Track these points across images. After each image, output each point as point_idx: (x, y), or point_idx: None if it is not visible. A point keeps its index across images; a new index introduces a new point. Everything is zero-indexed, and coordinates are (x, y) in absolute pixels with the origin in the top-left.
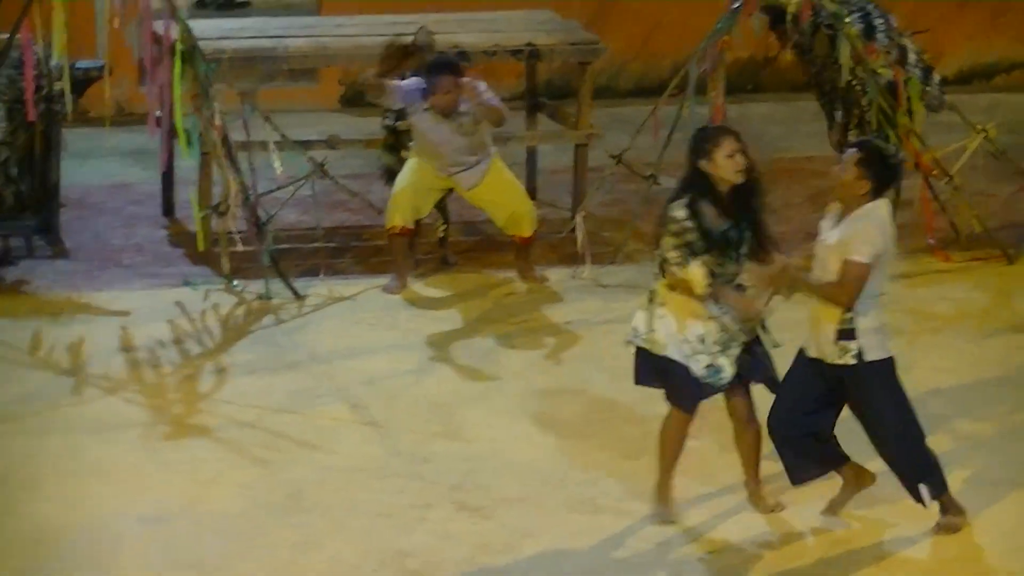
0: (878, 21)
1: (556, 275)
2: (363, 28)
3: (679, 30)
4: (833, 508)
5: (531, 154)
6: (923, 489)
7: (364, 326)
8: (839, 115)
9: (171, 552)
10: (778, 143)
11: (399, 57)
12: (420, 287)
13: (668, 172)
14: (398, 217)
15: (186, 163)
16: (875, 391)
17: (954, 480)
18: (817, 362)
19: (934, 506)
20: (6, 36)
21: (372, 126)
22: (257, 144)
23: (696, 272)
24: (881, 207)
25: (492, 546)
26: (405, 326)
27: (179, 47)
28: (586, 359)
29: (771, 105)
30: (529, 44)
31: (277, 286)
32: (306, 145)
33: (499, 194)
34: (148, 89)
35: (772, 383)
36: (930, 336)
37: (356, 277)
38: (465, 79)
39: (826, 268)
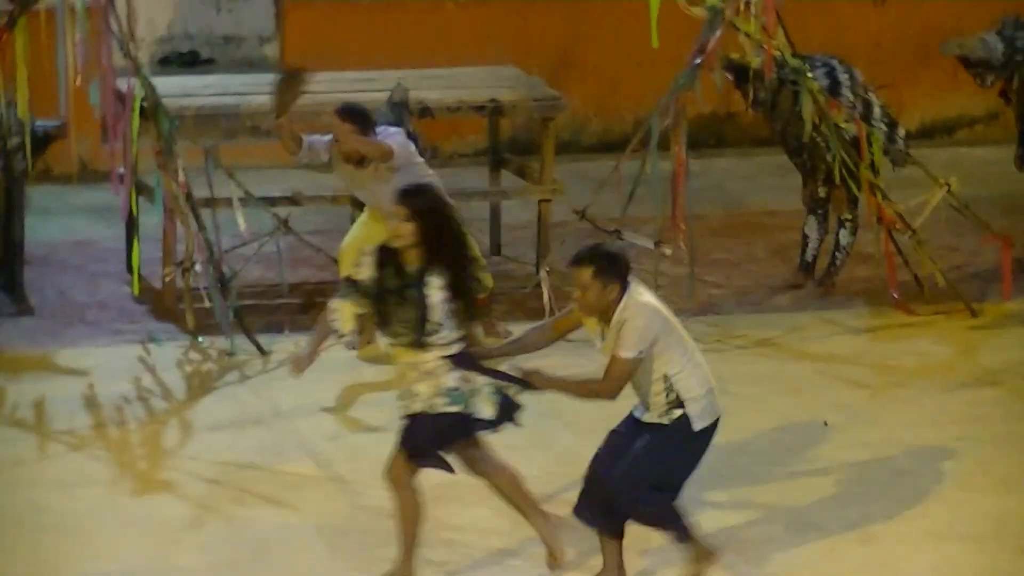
0: (843, 76)
1: (520, 330)
2: (325, 85)
3: (640, 86)
4: None
5: (495, 209)
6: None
7: (328, 382)
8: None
9: None
10: (741, 197)
11: (290, 90)
12: (384, 342)
13: (632, 227)
14: (345, 272)
15: (151, 220)
16: (680, 450)
17: (913, 534)
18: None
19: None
20: None
21: (336, 182)
22: (221, 200)
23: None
24: (635, 294)
25: None
26: (369, 381)
27: (138, 103)
28: (550, 415)
29: (733, 160)
30: (492, 100)
31: (242, 342)
32: (270, 201)
33: None
34: (110, 146)
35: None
36: (894, 390)
37: None
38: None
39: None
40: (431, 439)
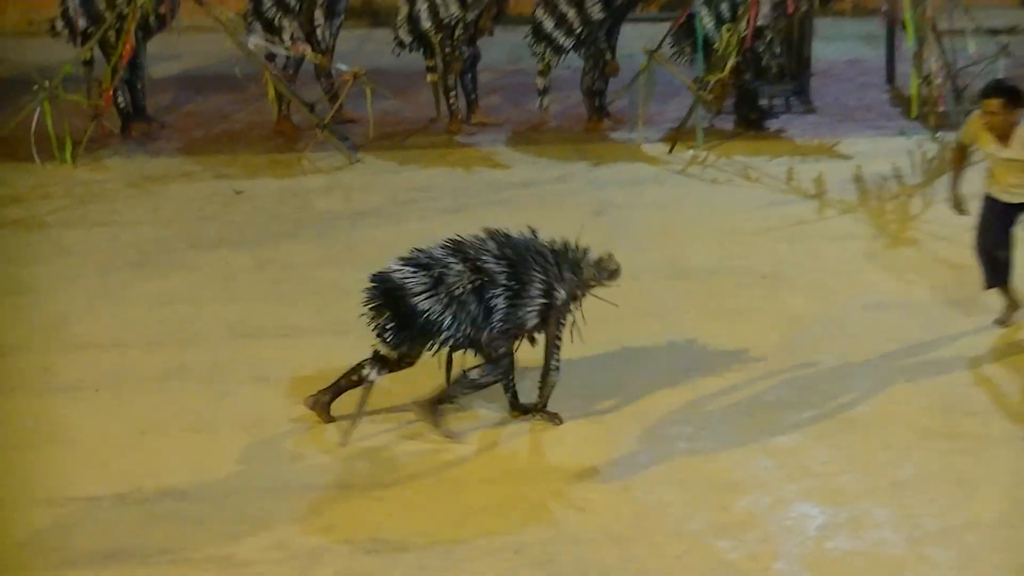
0: None
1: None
2: None
3: None
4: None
5: None
6: None
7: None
8: None
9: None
10: None
11: None
12: None
13: None
14: None
15: (907, 45)
16: None
17: None
18: (1009, 204)
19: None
20: None
21: None
22: (958, 31)
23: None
24: None
25: None
26: None
27: None
28: None
29: None
30: None
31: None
32: (993, 32)
33: None
34: None
35: None
36: None
37: None
38: None
39: (1011, 172)
40: None
